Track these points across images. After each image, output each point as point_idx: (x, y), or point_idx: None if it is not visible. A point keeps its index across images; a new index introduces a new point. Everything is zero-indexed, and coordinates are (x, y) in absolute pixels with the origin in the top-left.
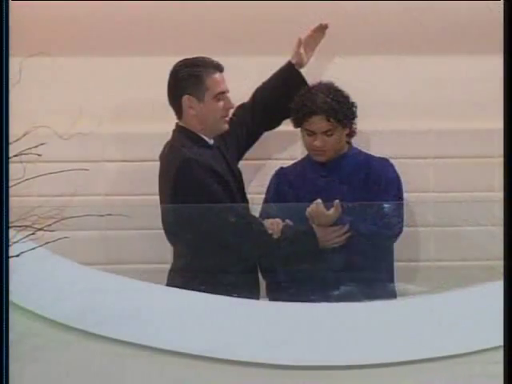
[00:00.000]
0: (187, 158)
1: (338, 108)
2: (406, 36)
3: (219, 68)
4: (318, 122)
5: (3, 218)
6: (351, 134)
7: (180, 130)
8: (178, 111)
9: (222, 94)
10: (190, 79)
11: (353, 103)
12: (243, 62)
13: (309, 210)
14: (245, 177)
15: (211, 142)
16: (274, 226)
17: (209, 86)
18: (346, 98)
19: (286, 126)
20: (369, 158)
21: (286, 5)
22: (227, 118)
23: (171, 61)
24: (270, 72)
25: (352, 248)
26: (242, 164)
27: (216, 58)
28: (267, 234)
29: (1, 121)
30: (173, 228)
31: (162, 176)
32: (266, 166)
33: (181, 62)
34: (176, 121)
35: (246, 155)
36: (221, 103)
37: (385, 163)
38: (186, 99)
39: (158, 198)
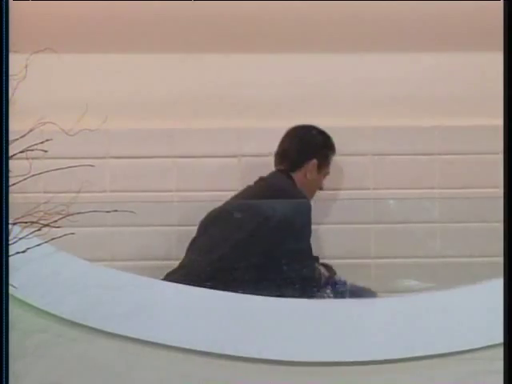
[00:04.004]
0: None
1: None
2: (410, 32)
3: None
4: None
5: (3, 215)
6: None
7: (288, 178)
8: (295, 165)
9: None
10: (323, 150)
11: None
12: (244, 59)
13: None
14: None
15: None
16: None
17: (328, 164)
18: None
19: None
20: None
21: (286, 4)
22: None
23: (178, 58)
24: (270, 70)
25: None
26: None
27: (219, 55)
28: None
29: (1, 117)
30: None
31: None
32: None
33: (316, 128)
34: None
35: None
36: (322, 183)
37: None
38: (314, 163)
39: (163, 194)
